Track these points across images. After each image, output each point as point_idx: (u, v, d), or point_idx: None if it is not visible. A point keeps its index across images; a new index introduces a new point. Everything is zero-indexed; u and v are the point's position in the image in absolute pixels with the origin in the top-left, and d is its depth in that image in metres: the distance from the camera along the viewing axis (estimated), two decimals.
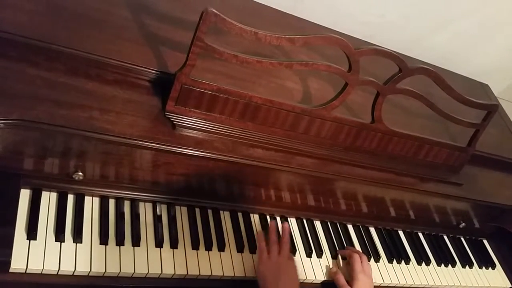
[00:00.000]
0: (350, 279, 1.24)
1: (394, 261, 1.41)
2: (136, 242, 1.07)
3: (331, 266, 1.29)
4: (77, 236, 1.01)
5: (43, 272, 0.96)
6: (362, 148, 1.33)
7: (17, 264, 0.93)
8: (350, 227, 1.42)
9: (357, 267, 1.25)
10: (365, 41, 1.65)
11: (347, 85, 1.18)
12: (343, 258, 1.32)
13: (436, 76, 1.26)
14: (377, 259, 1.38)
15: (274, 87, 1.29)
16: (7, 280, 0.93)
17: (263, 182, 1.23)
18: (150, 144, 1.03)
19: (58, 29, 1.06)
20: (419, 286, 1.41)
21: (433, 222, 1.56)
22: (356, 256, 1.28)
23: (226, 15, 0.99)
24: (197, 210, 1.20)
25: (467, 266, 1.55)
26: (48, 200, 1.04)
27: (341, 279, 1.23)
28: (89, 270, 0.99)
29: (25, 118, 0.91)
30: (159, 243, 1.09)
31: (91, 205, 1.08)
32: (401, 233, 1.51)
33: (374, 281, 1.31)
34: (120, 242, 1.05)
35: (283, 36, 1.05)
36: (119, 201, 1.11)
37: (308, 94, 1.35)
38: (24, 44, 0.99)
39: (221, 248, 1.16)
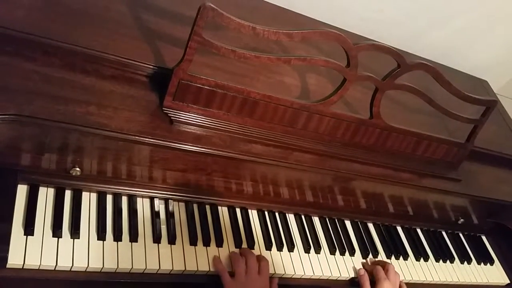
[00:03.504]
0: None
1: (392, 257, 1.41)
2: (134, 237, 1.06)
3: (329, 262, 1.28)
4: (75, 232, 1.01)
5: (40, 268, 0.95)
6: (361, 144, 1.32)
7: (14, 259, 0.93)
8: (348, 223, 1.42)
9: (380, 274, 1.27)
10: (364, 37, 1.65)
11: (346, 81, 1.18)
12: (341, 253, 1.32)
13: (435, 71, 1.25)
14: (375, 255, 1.38)
15: (272, 82, 1.28)
16: (5, 275, 0.93)
17: (261, 178, 1.22)
18: (147, 139, 1.02)
19: (55, 24, 1.05)
20: (417, 282, 1.41)
21: (431, 218, 1.56)
22: (377, 266, 1.29)
23: (224, 10, 0.99)
24: (195, 206, 1.19)
25: (465, 262, 1.55)
26: (46, 195, 1.04)
27: (367, 284, 1.25)
28: (86, 265, 0.99)
29: (21, 114, 0.91)
30: (157, 239, 1.09)
31: (88, 200, 1.07)
32: (399, 229, 1.51)
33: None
34: (117, 237, 1.05)
35: (281, 31, 1.05)
36: (116, 197, 1.10)
37: (307, 89, 1.34)
38: (21, 39, 0.98)
39: (219, 244, 1.16)
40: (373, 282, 1.28)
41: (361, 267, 1.31)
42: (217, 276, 1.12)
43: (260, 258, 1.16)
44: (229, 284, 1.07)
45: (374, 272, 1.29)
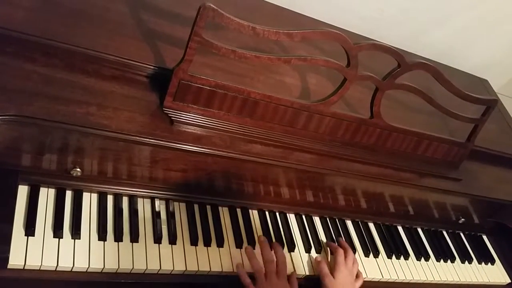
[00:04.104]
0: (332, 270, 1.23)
1: (393, 257, 1.41)
2: (134, 238, 1.06)
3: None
4: (75, 232, 1.01)
5: (41, 268, 0.96)
6: (361, 144, 1.32)
7: (15, 260, 0.93)
8: (349, 222, 1.42)
9: (340, 259, 1.24)
10: (364, 37, 1.65)
11: (346, 80, 1.18)
12: None
13: (435, 71, 1.25)
14: (376, 254, 1.38)
15: (272, 82, 1.28)
16: (6, 276, 0.93)
17: (262, 178, 1.22)
18: (148, 140, 1.02)
19: (55, 25, 1.05)
20: (418, 282, 1.41)
21: (432, 217, 1.56)
22: (340, 250, 1.26)
23: (224, 10, 0.99)
24: (196, 206, 1.20)
25: (466, 262, 1.55)
26: (46, 196, 1.04)
27: (325, 268, 1.22)
28: (87, 266, 0.99)
29: (22, 114, 0.91)
30: (157, 239, 1.09)
31: (89, 201, 1.07)
32: (400, 228, 1.51)
33: (373, 277, 1.32)
34: (118, 238, 1.05)
35: (281, 30, 1.05)
36: (117, 197, 1.10)
37: (307, 89, 1.34)
38: (21, 39, 0.98)
39: (220, 244, 1.16)
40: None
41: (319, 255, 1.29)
42: (218, 276, 1.12)
43: (278, 259, 1.16)
44: None
45: (334, 255, 1.26)
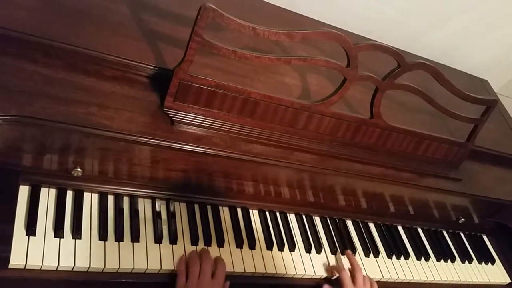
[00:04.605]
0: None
1: (394, 257, 1.41)
2: (135, 238, 1.07)
3: (330, 262, 1.29)
4: (76, 232, 1.01)
5: (42, 268, 0.96)
6: (361, 144, 1.33)
7: (17, 260, 0.93)
8: (349, 222, 1.42)
9: (346, 281, 1.22)
10: (364, 37, 1.65)
11: (346, 81, 1.18)
12: (343, 253, 1.32)
13: (435, 71, 1.26)
14: (377, 254, 1.38)
15: (272, 83, 1.29)
16: (7, 276, 0.93)
17: (262, 178, 1.23)
18: (148, 140, 1.03)
19: (56, 25, 1.06)
20: (418, 281, 1.41)
21: (432, 217, 1.56)
22: (344, 272, 1.24)
23: (224, 10, 0.99)
24: (196, 206, 1.20)
25: (466, 262, 1.55)
26: (47, 196, 1.04)
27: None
28: (88, 266, 0.99)
29: (23, 114, 0.91)
30: (158, 239, 1.09)
31: (90, 201, 1.08)
32: (400, 228, 1.51)
33: (373, 277, 1.32)
34: (119, 238, 1.05)
35: (281, 31, 1.05)
36: (118, 197, 1.11)
37: (307, 90, 1.35)
38: (22, 40, 0.99)
39: (220, 244, 1.16)
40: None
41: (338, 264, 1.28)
42: None
43: (217, 262, 1.12)
44: (180, 287, 1.05)
45: (340, 278, 1.23)
